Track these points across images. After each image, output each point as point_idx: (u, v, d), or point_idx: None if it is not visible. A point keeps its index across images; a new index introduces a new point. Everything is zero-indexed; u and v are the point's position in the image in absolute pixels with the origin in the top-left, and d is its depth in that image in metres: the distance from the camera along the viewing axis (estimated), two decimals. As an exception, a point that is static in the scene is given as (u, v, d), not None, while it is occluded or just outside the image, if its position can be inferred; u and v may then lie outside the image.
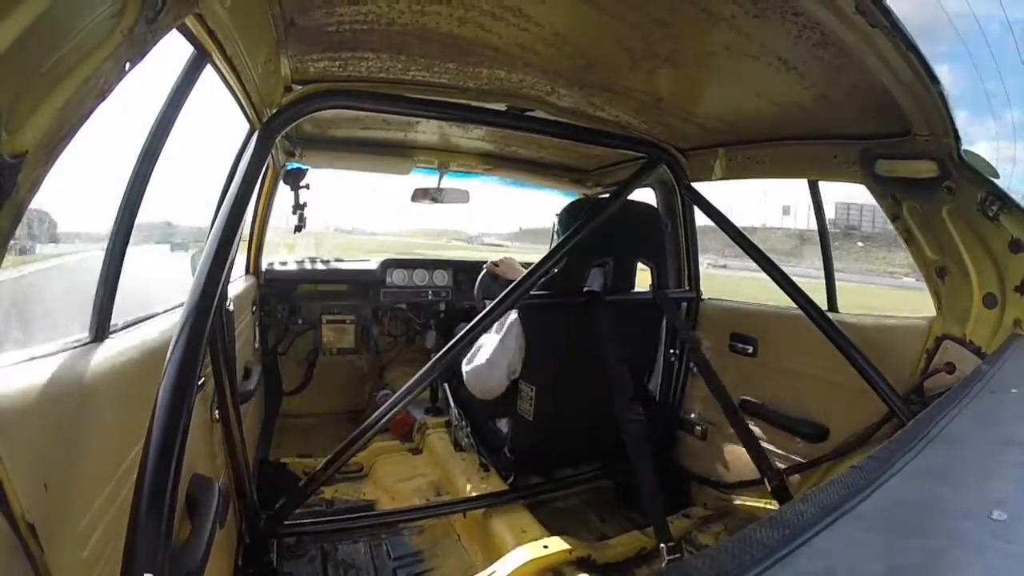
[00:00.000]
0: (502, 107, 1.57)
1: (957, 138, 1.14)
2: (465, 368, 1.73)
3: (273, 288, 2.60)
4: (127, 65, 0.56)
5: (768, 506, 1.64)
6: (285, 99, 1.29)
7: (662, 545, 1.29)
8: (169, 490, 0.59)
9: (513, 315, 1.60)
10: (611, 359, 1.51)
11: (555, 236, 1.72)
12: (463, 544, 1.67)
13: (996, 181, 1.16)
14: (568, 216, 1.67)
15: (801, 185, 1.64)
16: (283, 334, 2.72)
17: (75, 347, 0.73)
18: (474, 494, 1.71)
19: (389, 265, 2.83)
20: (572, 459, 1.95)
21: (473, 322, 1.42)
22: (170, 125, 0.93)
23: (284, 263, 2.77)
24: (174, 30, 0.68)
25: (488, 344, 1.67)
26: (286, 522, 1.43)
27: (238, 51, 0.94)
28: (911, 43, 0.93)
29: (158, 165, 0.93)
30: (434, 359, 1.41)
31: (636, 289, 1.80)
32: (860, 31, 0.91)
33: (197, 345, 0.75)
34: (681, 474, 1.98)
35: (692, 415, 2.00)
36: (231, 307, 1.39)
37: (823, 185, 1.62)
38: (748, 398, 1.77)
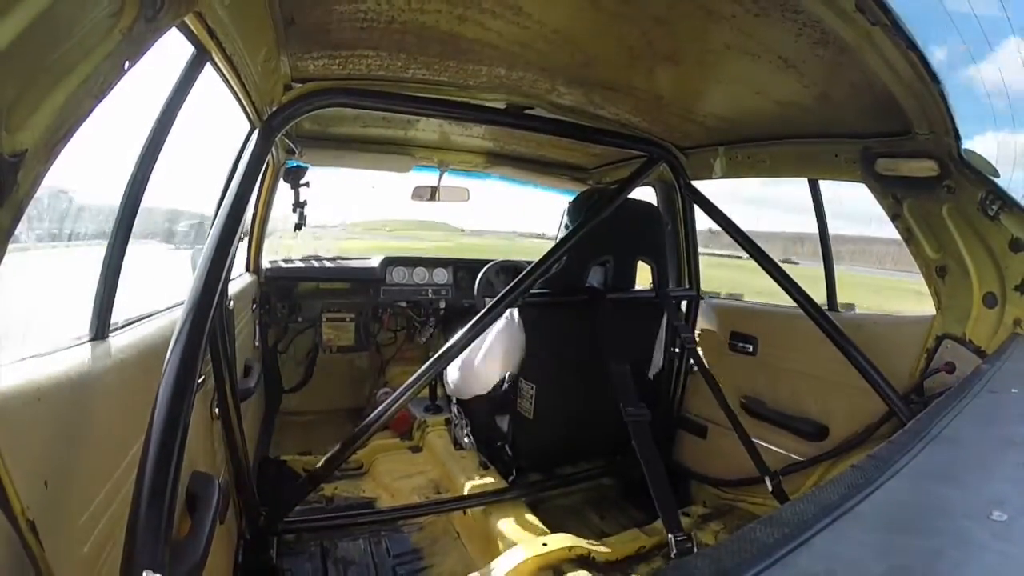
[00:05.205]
0: (502, 105, 1.57)
1: (958, 137, 1.14)
2: (451, 376, 1.73)
3: (273, 286, 2.59)
4: (126, 64, 0.56)
5: (768, 505, 1.64)
6: (285, 97, 1.29)
7: (670, 536, 1.25)
8: (169, 487, 0.59)
9: (510, 314, 1.59)
10: (613, 357, 1.50)
11: (562, 227, 1.72)
12: (463, 542, 1.67)
13: (996, 180, 1.16)
14: (575, 208, 1.67)
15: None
16: (283, 332, 2.72)
17: (76, 345, 0.73)
18: (474, 492, 1.71)
19: (389, 263, 2.82)
20: (572, 457, 1.95)
21: (473, 320, 1.42)
22: (170, 124, 0.93)
23: (288, 260, 2.77)
24: (174, 29, 0.67)
25: (476, 348, 1.64)
26: (286, 519, 1.43)
27: (238, 49, 0.93)
28: (911, 41, 0.92)
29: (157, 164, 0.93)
30: (434, 357, 1.41)
31: (635, 288, 1.80)
32: (860, 29, 0.91)
33: (197, 343, 0.75)
34: (680, 472, 1.98)
35: (692, 413, 2.01)
36: (231, 305, 1.39)
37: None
38: (748, 396, 1.77)
